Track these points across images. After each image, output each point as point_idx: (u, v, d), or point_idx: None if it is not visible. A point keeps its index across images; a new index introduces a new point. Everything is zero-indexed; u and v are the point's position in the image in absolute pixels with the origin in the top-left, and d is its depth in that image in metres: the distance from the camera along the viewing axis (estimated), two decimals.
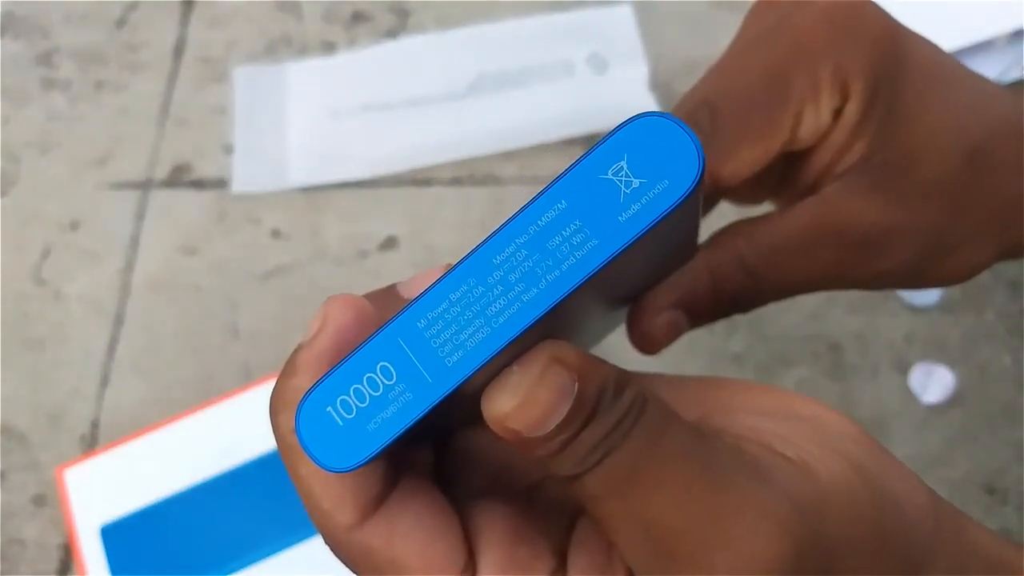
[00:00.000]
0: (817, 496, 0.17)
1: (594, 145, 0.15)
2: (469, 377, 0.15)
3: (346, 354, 0.16)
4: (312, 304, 0.42)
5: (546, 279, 0.15)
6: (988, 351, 0.39)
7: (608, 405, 0.16)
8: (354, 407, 0.15)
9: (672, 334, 0.25)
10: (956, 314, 0.40)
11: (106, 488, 0.37)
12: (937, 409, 0.38)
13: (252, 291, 0.43)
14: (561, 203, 0.15)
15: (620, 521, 0.16)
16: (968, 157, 0.24)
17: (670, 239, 0.18)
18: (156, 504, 0.37)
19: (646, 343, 0.25)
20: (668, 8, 0.48)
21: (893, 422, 0.38)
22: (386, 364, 0.15)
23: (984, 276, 0.40)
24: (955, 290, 0.40)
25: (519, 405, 0.15)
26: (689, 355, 0.40)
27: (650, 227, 0.15)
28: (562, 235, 0.15)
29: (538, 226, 0.15)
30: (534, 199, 0.15)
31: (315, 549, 0.36)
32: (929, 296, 0.40)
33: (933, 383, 0.38)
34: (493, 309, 0.15)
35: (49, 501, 0.39)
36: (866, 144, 0.24)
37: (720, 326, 0.40)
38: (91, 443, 0.40)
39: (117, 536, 0.37)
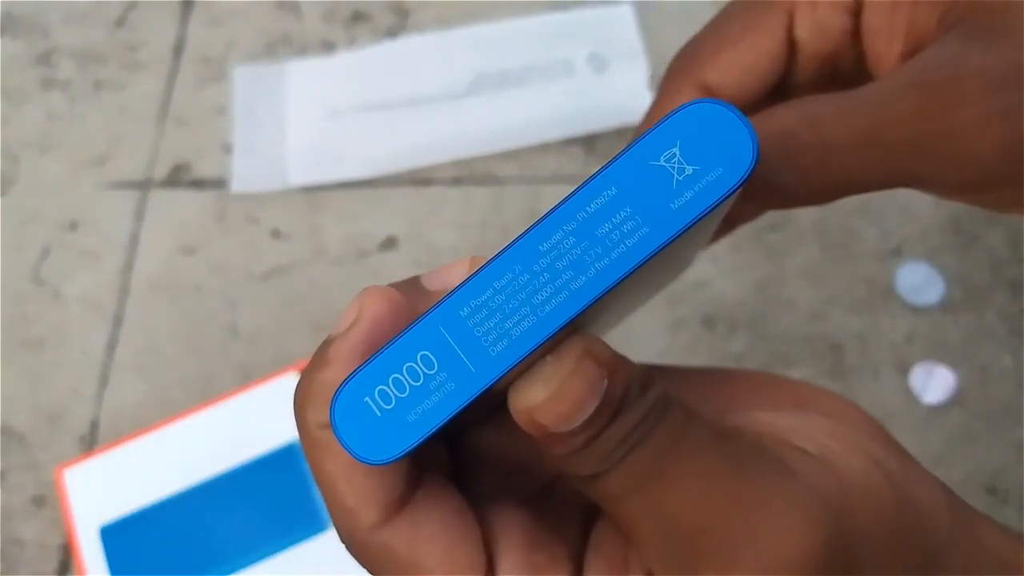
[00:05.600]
0: (841, 492, 0.16)
1: (646, 131, 0.15)
2: (513, 367, 0.15)
3: (380, 346, 0.15)
4: (312, 304, 0.42)
5: (595, 267, 0.15)
6: (989, 351, 0.39)
7: (633, 402, 0.15)
8: (393, 397, 0.15)
9: None
10: (957, 314, 0.40)
11: (105, 488, 0.37)
12: (938, 409, 0.38)
13: (252, 291, 0.43)
14: (611, 190, 0.15)
15: (642, 519, 0.16)
16: None
17: (704, 231, 0.18)
18: (156, 504, 0.37)
19: None
20: (668, 8, 0.48)
21: (894, 422, 0.38)
22: (427, 353, 0.15)
23: (985, 276, 0.40)
24: (956, 290, 0.40)
25: (550, 397, 0.15)
26: (689, 355, 0.40)
27: (703, 215, 0.15)
28: (612, 222, 0.15)
29: (587, 213, 0.15)
30: (582, 186, 0.15)
31: (315, 549, 0.36)
32: (930, 296, 0.40)
33: (934, 383, 0.38)
34: (539, 297, 0.15)
35: (48, 501, 0.39)
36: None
37: (720, 326, 0.40)
38: (90, 443, 0.40)
39: (117, 536, 0.36)
